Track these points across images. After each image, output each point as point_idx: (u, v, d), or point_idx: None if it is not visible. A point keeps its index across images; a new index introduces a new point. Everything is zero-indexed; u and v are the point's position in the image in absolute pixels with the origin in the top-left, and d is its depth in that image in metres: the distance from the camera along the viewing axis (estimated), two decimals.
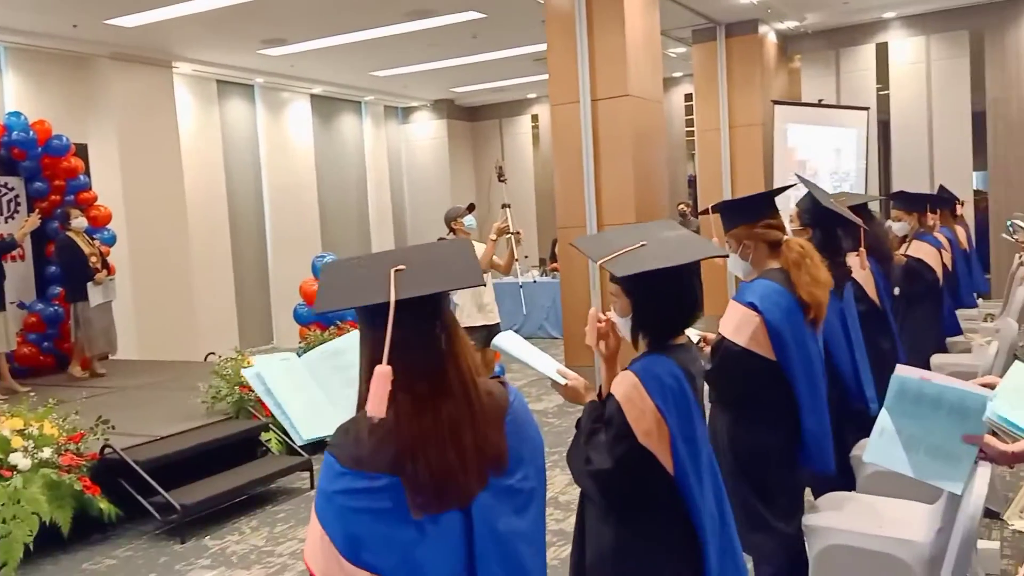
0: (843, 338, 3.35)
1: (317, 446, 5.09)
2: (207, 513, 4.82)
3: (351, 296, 1.44)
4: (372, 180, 14.04)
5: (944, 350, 5.42)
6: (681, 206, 12.90)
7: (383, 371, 1.28)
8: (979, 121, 10.73)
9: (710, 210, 3.16)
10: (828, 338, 3.19)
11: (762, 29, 10.56)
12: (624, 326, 2.13)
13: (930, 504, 2.86)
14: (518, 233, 5.68)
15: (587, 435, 2.10)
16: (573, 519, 4.81)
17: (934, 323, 5.27)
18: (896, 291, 4.78)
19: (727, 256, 2.87)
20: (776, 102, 10.36)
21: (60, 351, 7.84)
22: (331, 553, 1.31)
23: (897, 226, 5.41)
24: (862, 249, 3.73)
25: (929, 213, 5.70)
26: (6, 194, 7.79)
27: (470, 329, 6.38)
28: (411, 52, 10.61)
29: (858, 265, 3.72)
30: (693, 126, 11.82)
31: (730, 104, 10.54)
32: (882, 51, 11.25)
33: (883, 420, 2.05)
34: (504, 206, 5.77)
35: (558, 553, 4.10)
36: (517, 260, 5.67)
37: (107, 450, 4.67)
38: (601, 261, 2.06)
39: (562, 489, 5.04)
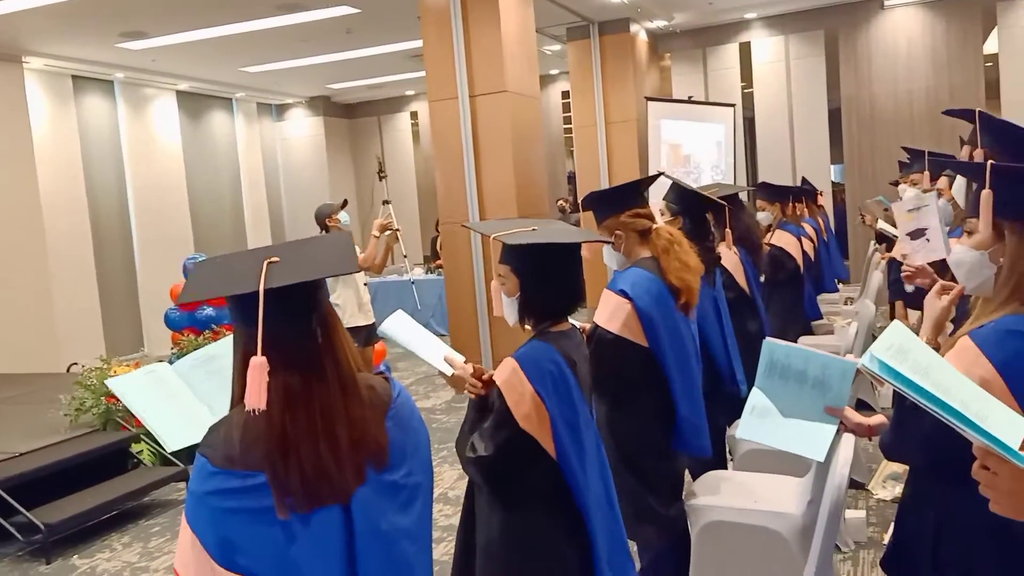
0: (716, 323, 3.47)
1: (194, 456, 4.90)
2: (75, 531, 4.55)
3: (219, 286, 1.38)
4: (246, 179, 13.58)
5: (809, 333, 5.72)
6: (560, 202, 13.11)
7: (258, 362, 1.24)
8: (835, 117, 11.39)
9: (579, 204, 3.23)
10: (701, 323, 3.30)
11: (633, 28, 10.85)
12: (511, 307, 2.15)
13: (800, 478, 3.01)
14: (398, 230, 5.63)
15: (471, 423, 2.11)
16: None
17: (797, 308, 5.55)
18: (762, 278, 5.01)
19: (611, 242, 2.92)
20: (649, 99, 10.67)
21: None
22: (203, 559, 1.25)
23: (761, 216, 5.70)
24: (727, 231, 3.88)
25: (794, 203, 6.01)
26: None
27: (352, 329, 6.27)
28: (283, 47, 10.31)
29: (727, 251, 3.88)
30: (570, 123, 12.03)
31: (605, 101, 10.78)
32: (745, 50, 11.78)
33: (754, 397, 2.14)
34: (385, 202, 5.71)
35: (448, 549, 4.08)
36: (407, 257, 5.62)
37: None
38: (496, 235, 2.09)
39: (451, 484, 5.02)
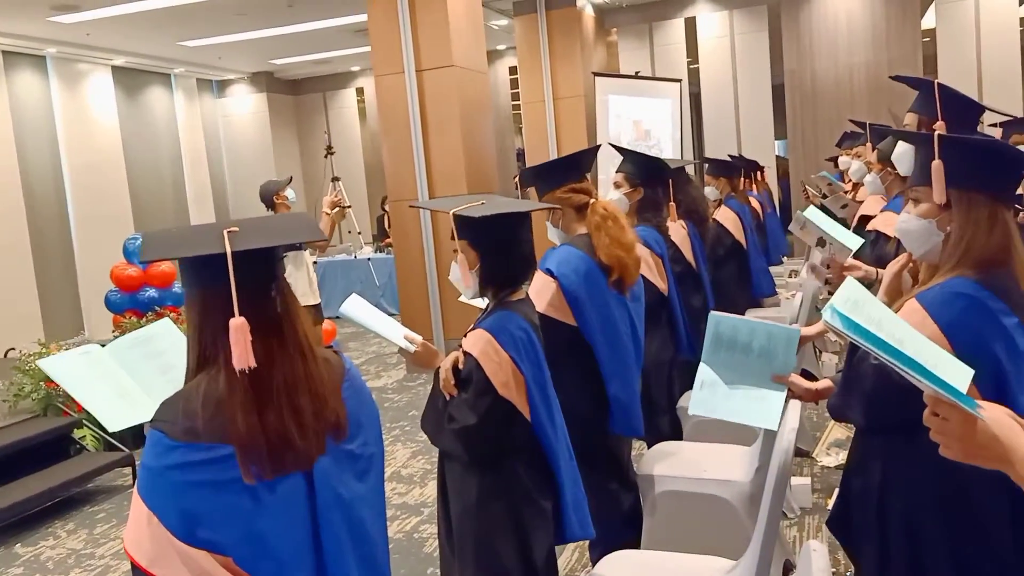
0: (674, 292, 3.51)
1: (141, 439, 4.79)
2: (16, 519, 4.44)
3: (184, 247, 1.35)
4: (188, 157, 13.23)
5: (755, 305, 5.81)
6: (517, 179, 13.08)
7: (238, 323, 1.25)
8: (779, 92, 11.54)
9: (517, 179, 3.22)
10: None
11: (580, 2, 10.81)
12: (471, 280, 2.21)
13: (748, 447, 3.07)
14: (349, 207, 5.57)
15: (441, 400, 2.17)
16: (416, 492, 4.81)
17: (741, 282, 5.62)
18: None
19: (559, 208, 2.92)
20: (596, 74, 10.67)
21: None
22: (161, 535, 1.23)
23: (708, 191, 5.76)
24: (672, 204, 3.92)
25: (744, 178, 6.09)
26: None
27: (307, 308, 6.25)
28: (222, 21, 10.03)
29: (674, 224, 3.91)
30: (518, 99, 11.98)
31: (553, 76, 10.75)
32: (691, 25, 11.84)
33: (703, 372, 2.17)
34: (335, 179, 5.62)
35: (402, 527, 4.08)
36: (360, 234, 5.57)
37: None
38: (455, 210, 2.16)
39: (404, 463, 5.01)
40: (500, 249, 2.21)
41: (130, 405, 1.88)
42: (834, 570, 3.22)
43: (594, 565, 2.77)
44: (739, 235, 5.49)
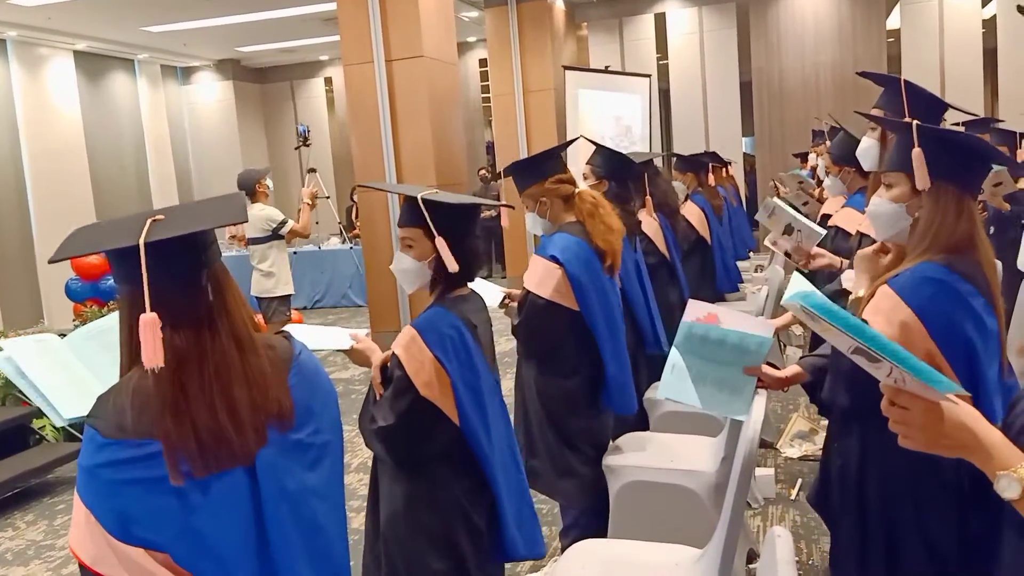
0: (638, 285, 3.54)
1: None
2: None
3: (97, 242, 1.30)
4: (152, 145, 13.02)
5: (719, 300, 5.86)
6: (482, 171, 13.06)
7: (148, 319, 1.17)
8: (747, 90, 11.65)
9: (501, 173, 3.26)
10: (625, 285, 3.36)
11: None
12: (419, 272, 2.13)
13: (714, 438, 3.10)
14: (327, 198, 5.53)
15: (374, 395, 2.10)
16: None
17: (704, 278, 5.66)
18: None
19: (545, 200, 2.95)
20: (567, 68, 10.67)
21: None
22: (99, 534, 1.19)
23: (676, 185, 5.79)
24: (648, 198, 3.96)
25: (712, 174, 6.14)
26: None
27: (283, 298, 6.27)
28: (186, 6, 9.86)
29: (647, 217, 3.95)
30: (488, 92, 11.95)
31: (523, 69, 10.73)
32: (660, 21, 11.90)
33: (674, 357, 2.17)
34: (311, 170, 5.58)
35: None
36: (342, 224, 5.53)
37: None
38: (423, 195, 2.06)
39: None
40: (457, 242, 2.10)
41: (83, 396, 1.84)
42: (797, 558, 3.28)
43: (563, 551, 2.78)
44: (704, 231, 5.53)
